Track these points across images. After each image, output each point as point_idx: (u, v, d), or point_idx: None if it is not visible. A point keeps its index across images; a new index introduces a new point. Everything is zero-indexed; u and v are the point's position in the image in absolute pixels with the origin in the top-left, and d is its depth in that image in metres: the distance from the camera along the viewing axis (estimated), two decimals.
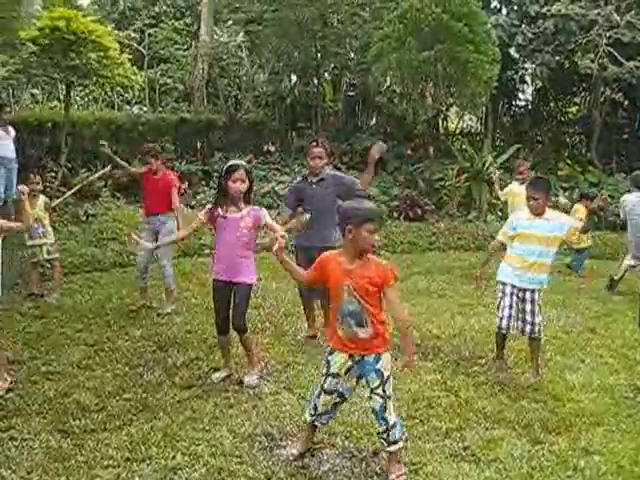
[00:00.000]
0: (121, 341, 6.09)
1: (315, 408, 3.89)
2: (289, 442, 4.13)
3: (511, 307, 5.26)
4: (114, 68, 10.17)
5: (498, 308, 5.34)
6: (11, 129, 9.44)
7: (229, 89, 16.79)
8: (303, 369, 5.42)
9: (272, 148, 16.13)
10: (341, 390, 3.80)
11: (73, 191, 10.95)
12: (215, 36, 16.60)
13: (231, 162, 5.12)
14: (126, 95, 17.38)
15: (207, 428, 4.29)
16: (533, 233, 5.19)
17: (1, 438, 4.12)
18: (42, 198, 7.74)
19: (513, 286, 5.25)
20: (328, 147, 6.23)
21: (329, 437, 4.21)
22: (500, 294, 5.33)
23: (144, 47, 16.10)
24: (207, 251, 10.35)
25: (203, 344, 6.00)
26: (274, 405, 4.68)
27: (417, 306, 7.43)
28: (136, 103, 16.80)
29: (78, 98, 17.67)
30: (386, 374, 3.67)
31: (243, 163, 5.04)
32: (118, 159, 7.84)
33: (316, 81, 16.38)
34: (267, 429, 4.30)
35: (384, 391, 3.67)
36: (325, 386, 3.79)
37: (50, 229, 7.80)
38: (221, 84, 16.34)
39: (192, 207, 12.56)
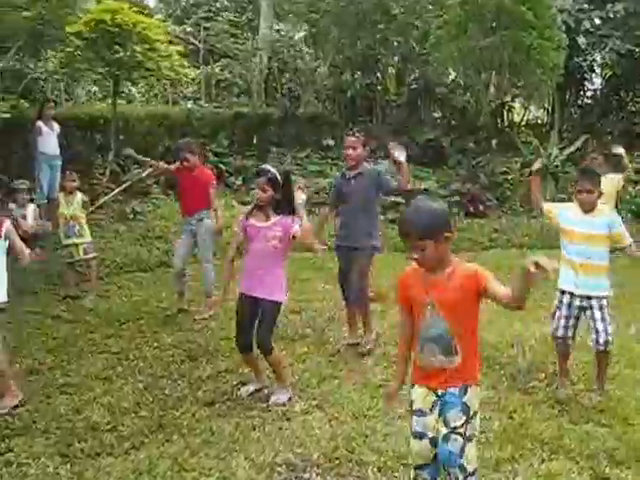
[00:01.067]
0: (149, 349, 5.70)
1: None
2: (313, 474, 3.61)
3: (568, 318, 4.64)
4: (160, 61, 9.83)
5: (553, 317, 4.76)
6: (55, 125, 9.27)
7: (290, 83, 16.43)
8: (340, 384, 4.89)
9: (331, 142, 15.66)
10: (430, 435, 2.95)
11: (119, 190, 10.74)
12: (275, 29, 16.27)
13: (261, 167, 4.64)
14: (185, 91, 17.25)
15: (222, 455, 3.81)
16: (582, 231, 4.54)
17: None
18: (79, 196, 7.43)
19: (572, 295, 4.60)
20: (364, 138, 5.71)
21: (359, 468, 3.68)
22: (557, 302, 4.71)
23: (199, 41, 15.83)
24: None
25: (236, 354, 5.45)
26: (302, 427, 4.17)
27: None
28: (196, 99, 16.63)
29: (139, 95, 17.66)
30: (472, 410, 2.94)
31: (271, 170, 4.50)
32: (148, 159, 7.46)
33: (378, 73, 15.82)
34: (290, 458, 3.78)
35: (466, 431, 2.92)
36: (413, 428, 3.05)
37: (87, 228, 7.47)
38: (280, 78, 15.99)
39: (244, 203, 12.20)
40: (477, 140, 13.82)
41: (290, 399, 4.58)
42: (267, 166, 4.63)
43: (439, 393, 2.95)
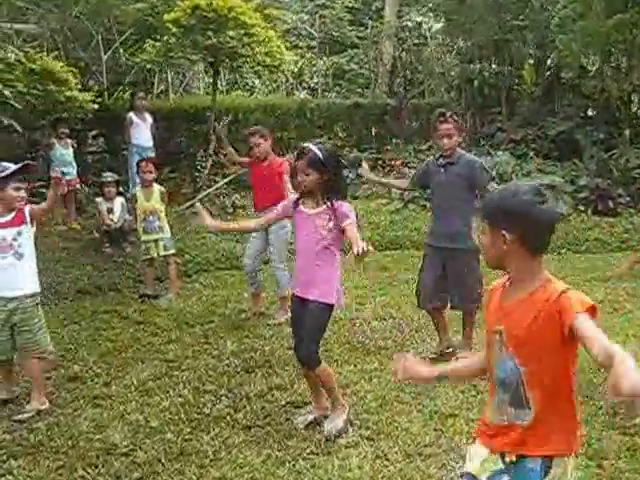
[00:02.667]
0: (206, 357, 5.19)
1: None
2: None
3: None
4: (256, 46, 9.35)
5: None
6: (148, 116, 9.06)
7: (418, 74, 15.61)
8: (403, 410, 4.11)
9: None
10: None
11: (222, 183, 10.42)
12: (400, 16, 15.48)
13: (302, 146, 3.93)
14: (310, 82, 16.90)
15: None
16: None
17: None
18: (158, 188, 7.03)
19: None
20: (460, 122, 5.00)
21: None
22: None
23: (315, 30, 15.35)
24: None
25: (297, 366, 4.88)
26: (340, 466, 3.45)
27: None
28: (313, 90, 16.23)
29: (262, 86, 17.49)
30: None
31: (313, 150, 3.74)
32: (230, 147, 6.90)
33: (510, 61, 14.56)
34: None
35: None
36: None
37: (166, 222, 7.07)
38: (404, 67, 15.19)
39: (356, 197, 11.56)
40: (609, 131, 12.28)
41: (348, 425, 3.87)
42: (309, 145, 3.85)
43: (507, 460, 2.11)
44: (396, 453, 3.57)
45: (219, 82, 14.98)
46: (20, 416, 4.12)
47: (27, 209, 4.18)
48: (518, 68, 15.18)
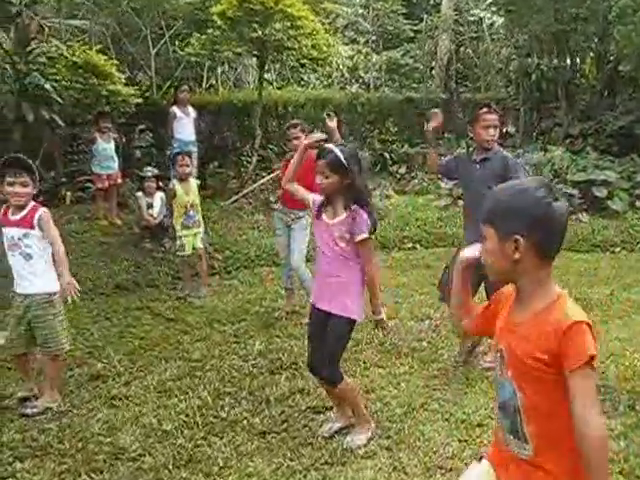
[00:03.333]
0: (232, 357, 5.02)
1: None
2: None
3: None
4: (302, 39, 9.14)
5: None
6: (191, 110, 8.98)
7: (475, 68, 15.17)
8: (429, 418, 3.85)
9: (512, 129, 14.16)
10: None
11: (265, 179, 10.28)
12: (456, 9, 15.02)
13: (324, 146, 3.64)
14: (365, 76, 16.65)
15: None
16: None
17: None
18: (194, 181, 6.92)
19: None
20: (502, 116, 4.73)
21: None
22: None
23: (369, 23, 15.06)
24: (410, 245, 8.92)
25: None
26: (352, 478, 3.22)
27: (613, 331, 5.31)
28: (363, 84, 15.93)
29: (317, 82, 17.32)
30: None
31: (334, 151, 3.48)
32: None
33: (569, 55, 13.95)
34: None
35: None
36: None
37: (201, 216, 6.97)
38: (460, 61, 14.79)
39: (405, 193, 11.27)
40: None
41: (371, 440, 3.63)
42: (331, 145, 3.59)
43: None
44: (415, 466, 3.33)
45: (273, 77, 14.92)
46: (27, 410, 4.06)
47: (38, 215, 4.02)
48: (578, 62, 14.57)
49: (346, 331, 3.60)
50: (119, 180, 8.59)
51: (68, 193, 9.06)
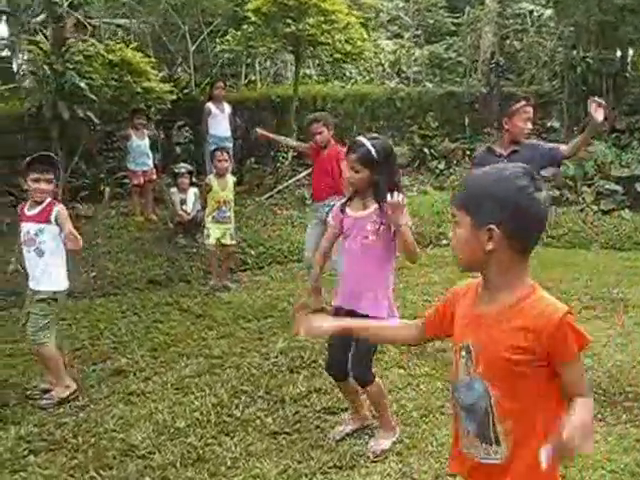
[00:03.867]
0: (253, 355, 5.01)
1: None
2: None
3: None
4: (336, 34, 9.07)
5: None
6: (226, 106, 9.01)
7: (520, 61, 14.85)
8: (444, 422, 3.76)
9: (556, 124, 13.79)
10: None
11: (301, 175, 10.25)
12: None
13: (355, 139, 3.52)
14: (408, 71, 16.50)
15: None
16: None
17: None
18: (231, 178, 6.95)
19: None
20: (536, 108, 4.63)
21: None
22: None
23: (409, 17, 14.87)
24: (445, 241, 8.79)
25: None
26: None
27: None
28: (419, 80, 15.78)
29: (359, 77, 17.23)
30: None
31: (365, 145, 3.35)
32: (282, 138, 6.77)
33: (618, 47, 13.52)
34: None
35: None
36: None
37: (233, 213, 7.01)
38: (503, 54, 14.45)
39: (443, 189, 11.11)
40: None
41: (391, 444, 3.57)
42: (361, 139, 3.46)
43: None
44: (425, 472, 3.26)
45: (313, 72, 14.88)
46: (43, 402, 4.16)
47: (56, 210, 4.09)
48: (629, 54, 14.11)
49: None
50: (154, 176, 8.69)
51: (107, 189, 9.21)
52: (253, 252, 8.12)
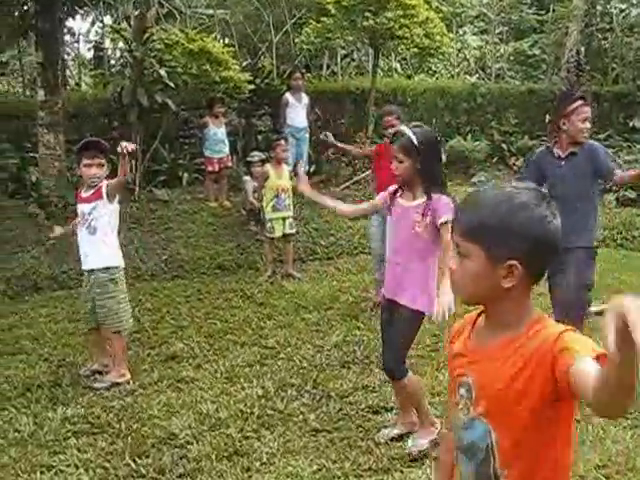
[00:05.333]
0: (307, 347, 4.95)
1: None
2: None
3: None
4: (414, 28, 8.84)
5: None
6: (304, 96, 8.94)
7: (605, 59, 14.15)
8: None
9: (639, 124, 13.05)
10: None
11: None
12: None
13: (398, 129, 3.50)
14: (493, 67, 16.08)
15: None
16: None
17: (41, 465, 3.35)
18: (286, 168, 7.01)
19: None
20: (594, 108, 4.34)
21: None
22: None
23: (493, 13, 14.41)
24: None
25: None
26: None
27: None
28: (501, 76, 15.32)
29: (445, 71, 16.95)
30: None
31: (407, 134, 3.27)
32: (341, 145, 6.73)
33: None
34: None
35: None
36: None
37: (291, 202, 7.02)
38: (588, 53, 13.80)
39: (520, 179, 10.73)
40: None
41: (435, 444, 3.42)
42: (404, 128, 3.40)
43: None
44: None
45: (394, 65, 14.67)
46: (96, 384, 4.25)
47: (104, 185, 4.18)
48: None
49: (413, 324, 3.40)
50: (230, 164, 8.76)
51: (185, 174, 9.35)
52: (323, 242, 8.08)
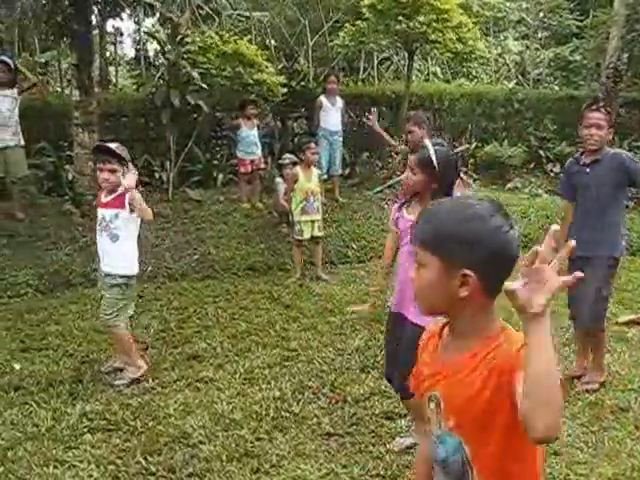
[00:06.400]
0: (328, 350, 4.93)
1: None
2: None
3: None
4: (447, 32, 8.74)
5: None
6: (339, 99, 8.93)
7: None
8: None
9: None
10: None
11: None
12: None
13: (421, 142, 3.45)
14: (533, 72, 15.88)
15: None
16: None
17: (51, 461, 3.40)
18: (316, 170, 6.97)
19: None
20: (613, 114, 4.30)
21: None
22: None
23: (531, 18, 14.21)
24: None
25: None
26: None
27: None
28: (539, 80, 15.10)
29: (485, 76, 16.79)
30: None
31: (427, 148, 3.24)
32: (380, 130, 6.65)
33: None
34: None
35: None
36: None
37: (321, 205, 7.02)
38: (631, 59, 13.48)
39: (557, 193, 10.52)
40: None
41: None
42: (427, 142, 3.34)
43: None
44: None
45: (433, 69, 14.56)
46: (115, 381, 4.30)
47: (128, 195, 4.16)
48: None
49: (418, 339, 3.35)
50: (262, 165, 8.78)
51: (220, 175, 9.42)
52: (355, 245, 8.04)
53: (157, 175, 8.88)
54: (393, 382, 3.45)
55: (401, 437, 3.60)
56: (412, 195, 3.39)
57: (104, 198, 4.27)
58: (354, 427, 3.71)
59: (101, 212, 4.28)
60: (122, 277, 4.23)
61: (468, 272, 1.44)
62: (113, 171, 4.15)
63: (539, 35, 15.94)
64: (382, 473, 3.22)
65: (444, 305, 1.52)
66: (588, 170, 4.10)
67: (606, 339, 4.46)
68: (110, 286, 4.24)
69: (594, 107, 4.10)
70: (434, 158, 3.21)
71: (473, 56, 9.94)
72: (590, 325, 4.21)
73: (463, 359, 1.49)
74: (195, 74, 7.66)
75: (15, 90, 7.39)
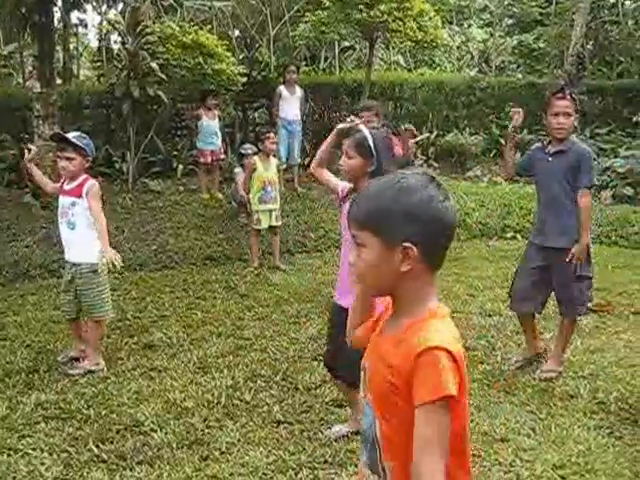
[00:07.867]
0: (282, 339, 5.05)
1: None
2: None
3: None
4: (407, 21, 8.88)
5: None
6: (298, 89, 9.02)
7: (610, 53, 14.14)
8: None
9: None
10: None
11: None
12: None
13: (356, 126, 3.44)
14: (495, 60, 16.10)
15: None
16: None
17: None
18: (274, 160, 7.12)
19: None
20: (578, 102, 4.27)
21: None
22: None
23: (495, 5, 14.43)
24: (511, 234, 8.57)
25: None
26: None
27: None
28: (503, 70, 15.35)
29: (449, 64, 16.95)
30: None
31: (362, 131, 3.28)
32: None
33: None
34: None
35: None
36: None
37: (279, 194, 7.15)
38: (595, 46, 13.79)
39: (516, 180, 10.75)
40: None
41: None
42: (361, 126, 3.36)
43: None
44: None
45: (395, 58, 14.69)
46: (70, 370, 4.36)
47: (87, 186, 4.26)
48: None
49: None
50: (222, 156, 8.86)
51: (180, 166, 9.46)
52: (313, 235, 8.18)
53: (117, 166, 8.90)
54: (335, 370, 3.55)
55: (337, 425, 3.67)
56: (350, 180, 3.39)
57: (66, 186, 4.36)
58: (304, 415, 3.83)
59: (61, 199, 4.38)
60: (90, 264, 4.30)
61: (408, 245, 1.46)
62: (70, 159, 4.23)
63: (503, 23, 16.13)
64: (330, 460, 3.33)
65: (389, 283, 1.53)
66: (550, 159, 4.17)
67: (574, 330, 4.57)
68: (81, 277, 4.31)
69: (561, 95, 4.10)
70: (370, 140, 3.22)
71: (434, 44, 10.06)
72: (571, 313, 4.33)
73: (386, 338, 1.56)
74: (154, 65, 7.69)
75: None
